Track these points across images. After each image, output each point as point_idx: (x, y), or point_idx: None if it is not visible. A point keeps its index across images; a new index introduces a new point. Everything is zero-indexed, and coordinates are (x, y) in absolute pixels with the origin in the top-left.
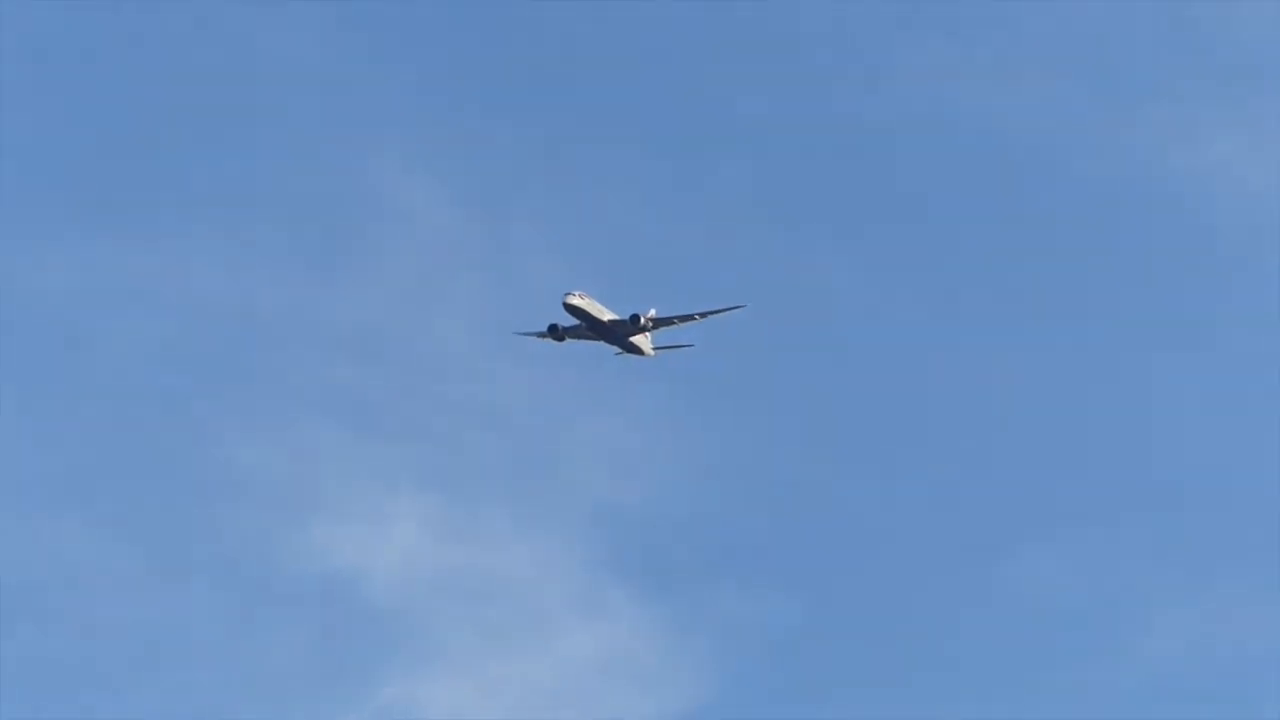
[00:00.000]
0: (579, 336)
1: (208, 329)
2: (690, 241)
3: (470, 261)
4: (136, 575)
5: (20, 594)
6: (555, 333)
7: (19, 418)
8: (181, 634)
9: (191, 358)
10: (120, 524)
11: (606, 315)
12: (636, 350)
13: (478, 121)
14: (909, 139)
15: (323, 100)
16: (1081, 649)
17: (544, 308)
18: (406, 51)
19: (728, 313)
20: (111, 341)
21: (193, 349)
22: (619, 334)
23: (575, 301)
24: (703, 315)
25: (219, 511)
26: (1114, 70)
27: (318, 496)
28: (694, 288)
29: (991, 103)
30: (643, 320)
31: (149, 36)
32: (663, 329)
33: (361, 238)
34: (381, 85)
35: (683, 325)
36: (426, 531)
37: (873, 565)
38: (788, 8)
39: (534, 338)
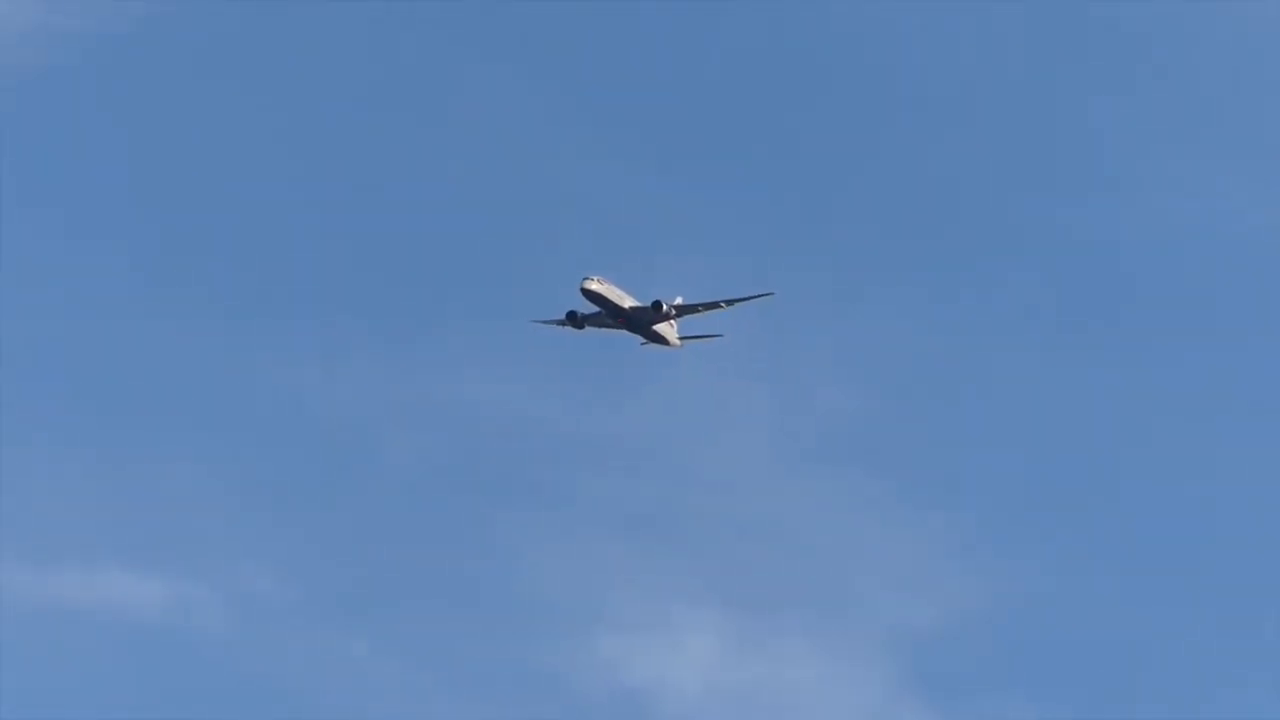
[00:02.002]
0: (599, 324)
1: (499, 444)
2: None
3: (760, 380)
4: (426, 690)
5: (315, 712)
6: (574, 320)
7: (310, 532)
8: None
9: (481, 472)
10: (411, 639)
11: (627, 302)
12: (662, 340)
13: (764, 247)
14: None
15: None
16: None
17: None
18: (680, 162)
19: (756, 300)
20: (400, 457)
21: (482, 464)
22: (641, 322)
23: (594, 287)
24: (729, 303)
25: (511, 626)
26: None
27: (609, 612)
28: None
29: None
30: (665, 307)
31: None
32: (688, 316)
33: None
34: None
35: (709, 313)
36: (718, 648)
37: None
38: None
39: (553, 325)
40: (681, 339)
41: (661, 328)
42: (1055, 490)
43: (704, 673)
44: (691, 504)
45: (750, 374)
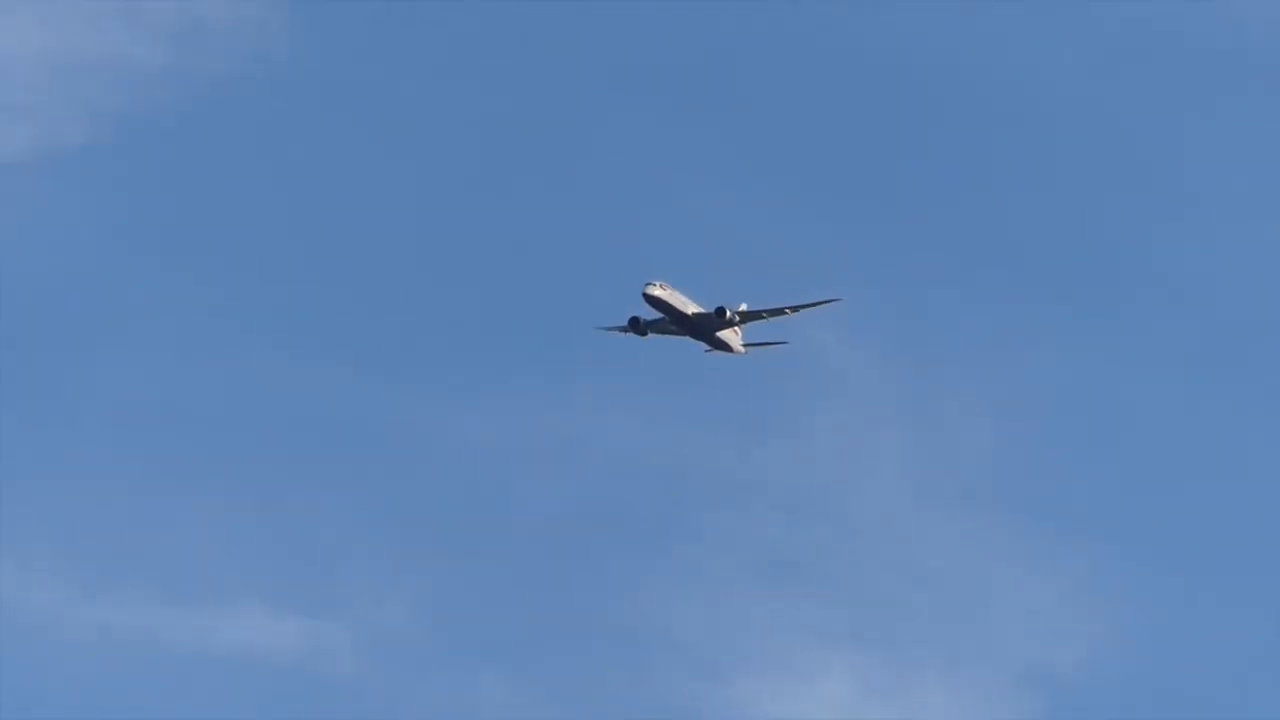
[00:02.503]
0: (662, 331)
1: (637, 484)
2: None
3: (899, 421)
4: None
5: None
6: (637, 326)
7: (448, 573)
8: None
9: (619, 513)
10: (548, 681)
11: (690, 308)
12: (725, 347)
13: (911, 286)
14: None
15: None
16: None
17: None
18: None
19: (823, 306)
20: (538, 497)
21: (620, 504)
22: (704, 328)
23: (656, 292)
24: (795, 309)
25: (648, 667)
26: None
27: (745, 652)
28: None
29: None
30: (729, 314)
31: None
32: (752, 323)
33: (789, 395)
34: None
35: (774, 319)
36: (854, 689)
37: None
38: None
39: (616, 332)
40: (746, 346)
41: (726, 334)
42: (1197, 530)
43: (840, 713)
44: (829, 545)
45: (891, 414)
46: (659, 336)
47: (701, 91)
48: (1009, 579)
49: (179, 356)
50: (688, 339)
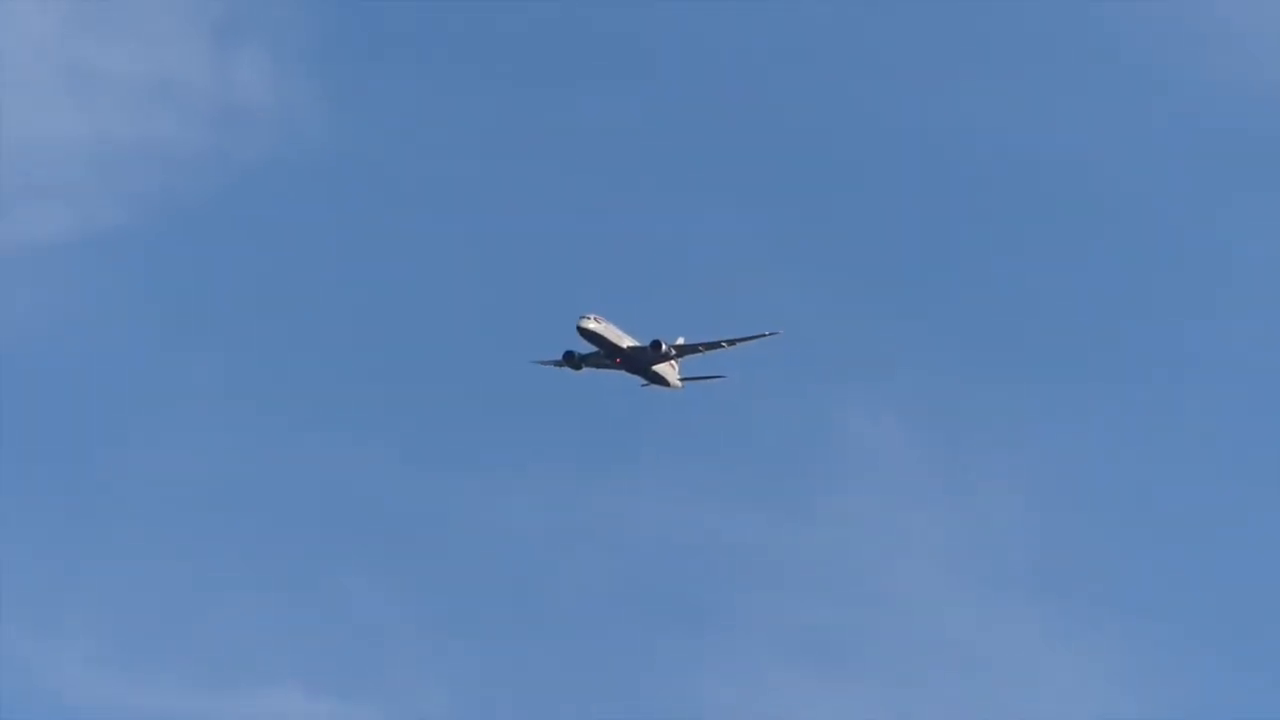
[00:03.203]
0: (597, 365)
1: (669, 565)
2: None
3: (932, 499)
4: None
5: None
6: (572, 360)
7: (487, 655)
8: None
9: (651, 595)
10: None
11: (625, 341)
12: (662, 381)
13: (940, 362)
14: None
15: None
16: None
17: None
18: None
19: (759, 340)
20: (571, 578)
21: (652, 587)
22: (640, 362)
23: (591, 326)
24: (731, 342)
25: None
26: None
27: None
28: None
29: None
30: (665, 347)
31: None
32: (689, 357)
33: (822, 473)
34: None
35: (710, 353)
36: None
37: None
38: None
39: (551, 366)
40: (683, 380)
41: (662, 368)
42: (1235, 607)
43: None
44: (863, 625)
45: (924, 492)
46: (594, 371)
47: (735, 173)
48: (1043, 658)
49: (218, 439)
50: (623, 373)
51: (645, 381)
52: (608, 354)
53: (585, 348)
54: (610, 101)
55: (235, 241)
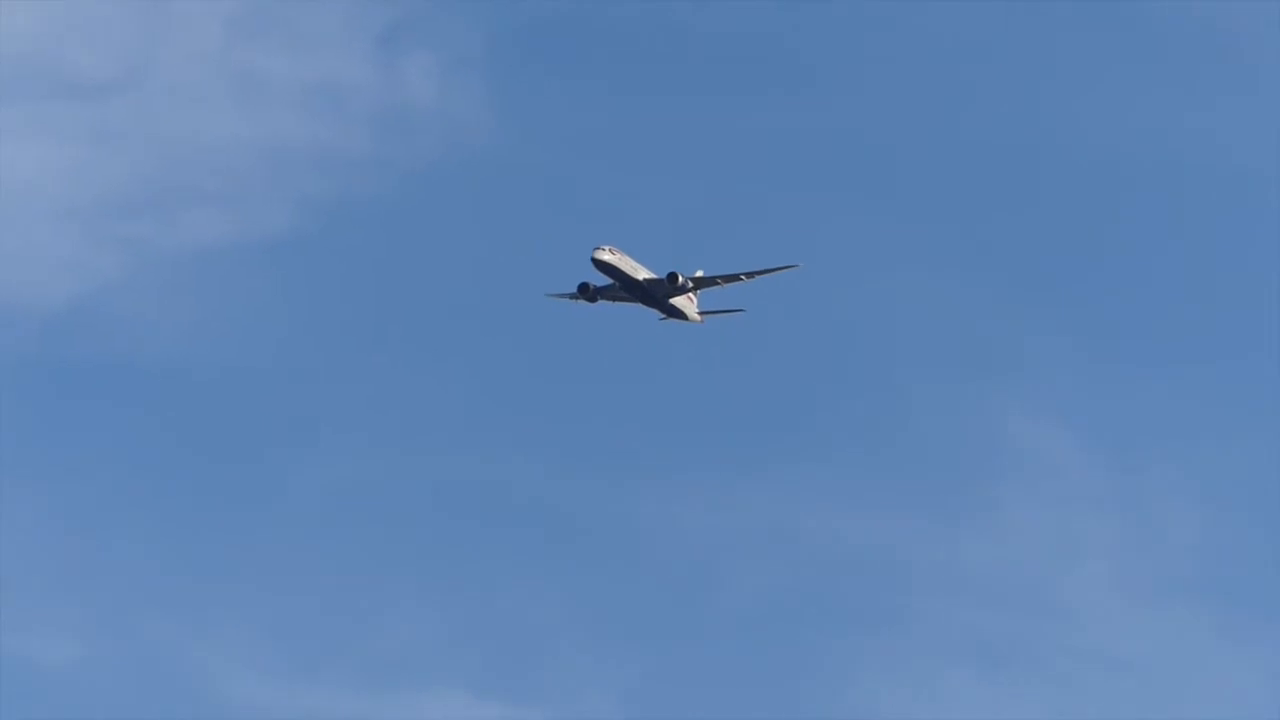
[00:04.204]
0: (613, 297)
1: (842, 573)
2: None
3: (1105, 509)
4: None
5: None
6: (586, 292)
7: (652, 662)
8: None
9: (824, 602)
10: None
11: (641, 273)
12: (680, 315)
13: (1109, 366)
14: None
15: (957, 345)
16: None
17: None
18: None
19: (780, 272)
20: (739, 584)
21: (824, 593)
22: (657, 295)
23: (605, 257)
24: (750, 275)
25: None
26: None
27: None
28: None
29: None
30: (681, 280)
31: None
32: (707, 289)
33: (994, 482)
34: (1016, 332)
35: (729, 285)
36: None
37: None
38: None
39: (565, 299)
40: (702, 314)
41: (679, 302)
42: None
43: None
44: (1035, 633)
45: (1092, 496)
46: (609, 304)
47: (895, 174)
48: (1214, 663)
49: (382, 444)
50: (640, 306)
51: (663, 315)
52: (624, 286)
53: (600, 279)
54: (770, 108)
55: (400, 245)
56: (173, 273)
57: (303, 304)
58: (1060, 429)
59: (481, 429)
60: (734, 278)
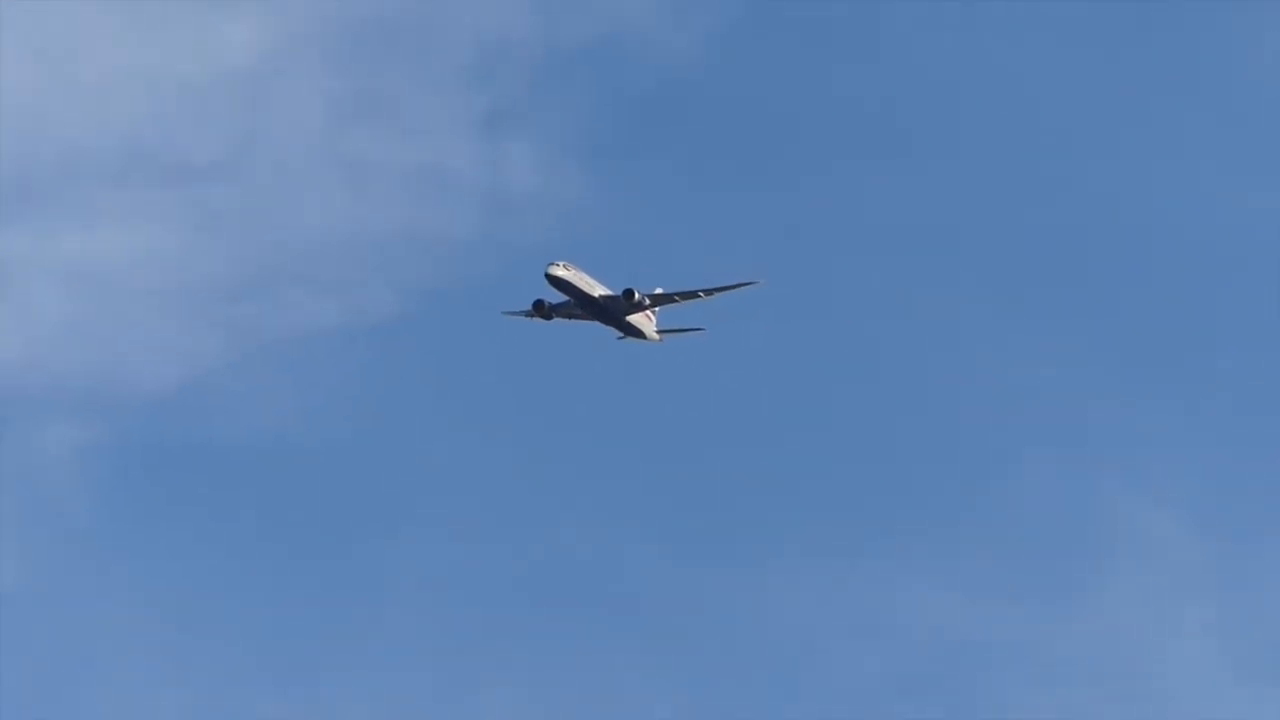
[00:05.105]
0: (569, 315)
1: (936, 659)
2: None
3: (1208, 590)
4: None
5: None
6: (541, 310)
7: None
8: None
9: (923, 690)
10: None
11: (597, 290)
12: (638, 334)
13: (1213, 447)
14: None
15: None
16: None
17: None
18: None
19: (739, 289)
20: (838, 672)
21: (924, 681)
22: (613, 312)
23: (559, 273)
24: (709, 292)
25: None
26: None
27: None
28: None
29: None
30: (638, 296)
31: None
32: (665, 307)
33: (1093, 563)
34: (1111, 408)
35: (687, 303)
36: None
37: None
38: None
39: (520, 317)
40: (660, 332)
41: (637, 319)
42: None
43: None
44: (1142, 717)
45: (1196, 580)
46: (566, 321)
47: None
48: None
49: (487, 528)
50: (597, 324)
51: (621, 334)
52: (579, 303)
53: (555, 296)
54: (875, 191)
55: (502, 329)
56: (277, 356)
57: (406, 388)
58: (1167, 508)
59: (582, 510)
60: (692, 294)
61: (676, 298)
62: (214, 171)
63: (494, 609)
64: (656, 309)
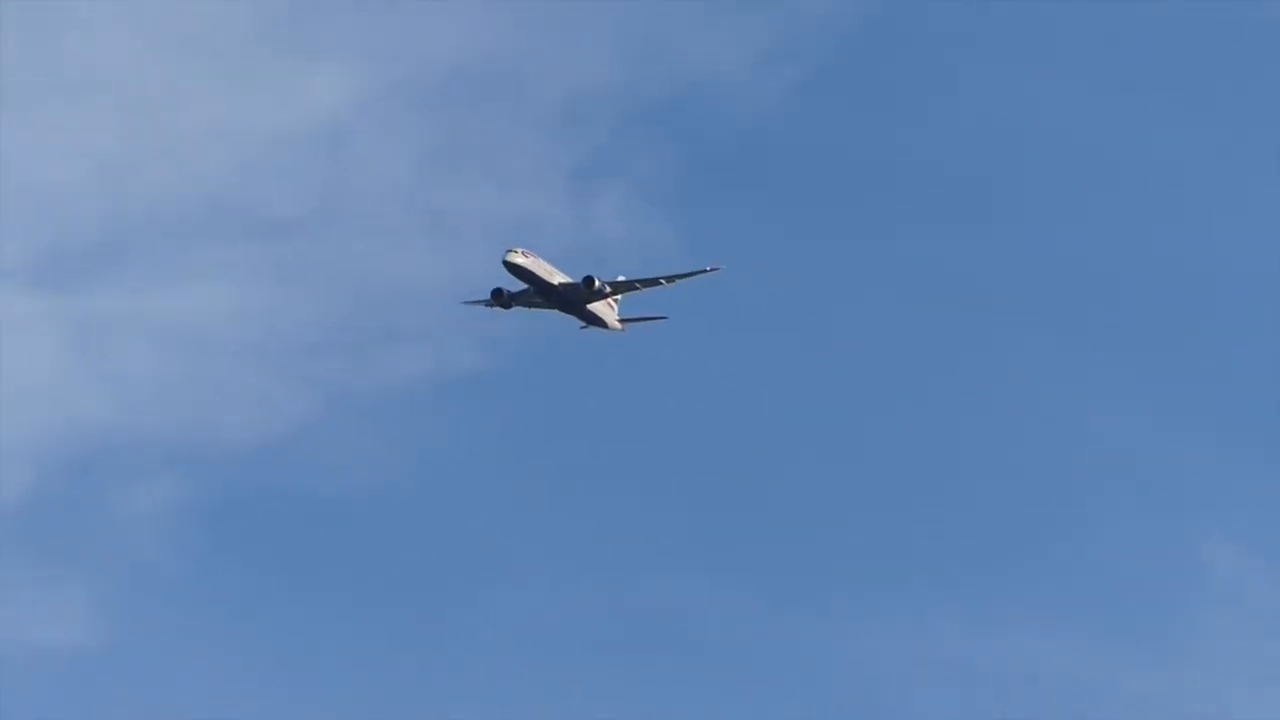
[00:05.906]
0: (528, 304)
1: (1037, 702)
2: None
3: None
4: None
5: None
6: (500, 299)
7: None
8: None
9: None
10: None
11: (556, 277)
12: (600, 322)
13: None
14: None
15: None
16: None
17: None
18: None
19: (701, 276)
20: (922, 713)
21: None
22: (573, 300)
23: (518, 260)
24: (671, 279)
25: None
26: None
27: None
28: None
29: None
30: (598, 284)
31: None
32: (627, 295)
33: (1187, 616)
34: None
35: (648, 290)
36: None
37: None
38: None
39: (479, 306)
40: (623, 321)
41: (598, 307)
42: None
43: None
44: None
45: None
46: (525, 310)
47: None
48: None
49: (569, 581)
50: (557, 313)
51: (583, 324)
52: (538, 291)
53: (515, 285)
54: (965, 236)
55: (591, 382)
56: (364, 411)
57: (494, 442)
58: (1252, 555)
59: (676, 559)
60: (654, 282)
61: (638, 285)
62: (302, 225)
63: (578, 665)
64: (619, 297)
